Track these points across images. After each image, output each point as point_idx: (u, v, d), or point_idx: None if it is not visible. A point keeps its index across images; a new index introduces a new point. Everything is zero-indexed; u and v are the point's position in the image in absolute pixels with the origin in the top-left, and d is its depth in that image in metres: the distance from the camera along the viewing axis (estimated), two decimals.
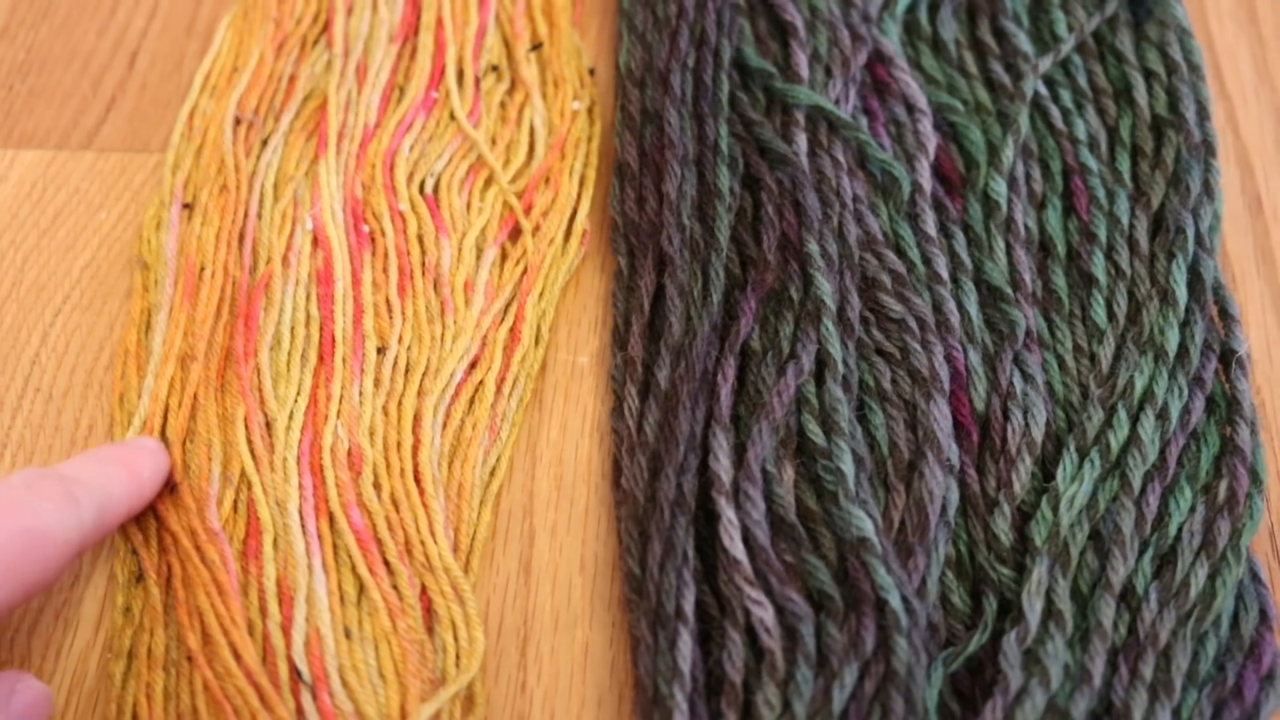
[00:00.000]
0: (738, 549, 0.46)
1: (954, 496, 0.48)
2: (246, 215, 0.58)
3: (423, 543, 0.49)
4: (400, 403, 0.52)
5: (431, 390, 0.53)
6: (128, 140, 0.64)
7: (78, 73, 0.67)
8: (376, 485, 0.50)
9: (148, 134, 0.64)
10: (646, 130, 0.58)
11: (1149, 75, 0.60)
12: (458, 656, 0.47)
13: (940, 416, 0.49)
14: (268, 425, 0.52)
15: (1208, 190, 0.56)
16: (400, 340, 0.54)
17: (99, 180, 0.62)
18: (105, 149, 0.63)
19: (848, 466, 0.48)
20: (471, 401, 0.53)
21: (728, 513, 0.47)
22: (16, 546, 0.41)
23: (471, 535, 0.50)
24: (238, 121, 0.61)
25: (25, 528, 0.42)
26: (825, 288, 0.52)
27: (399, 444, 0.51)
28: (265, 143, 0.61)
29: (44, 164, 0.63)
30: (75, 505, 0.44)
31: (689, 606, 0.45)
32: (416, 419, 0.52)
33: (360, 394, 0.53)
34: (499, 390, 0.54)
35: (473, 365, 0.54)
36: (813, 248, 0.53)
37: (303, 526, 0.49)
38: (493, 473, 0.52)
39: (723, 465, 0.48)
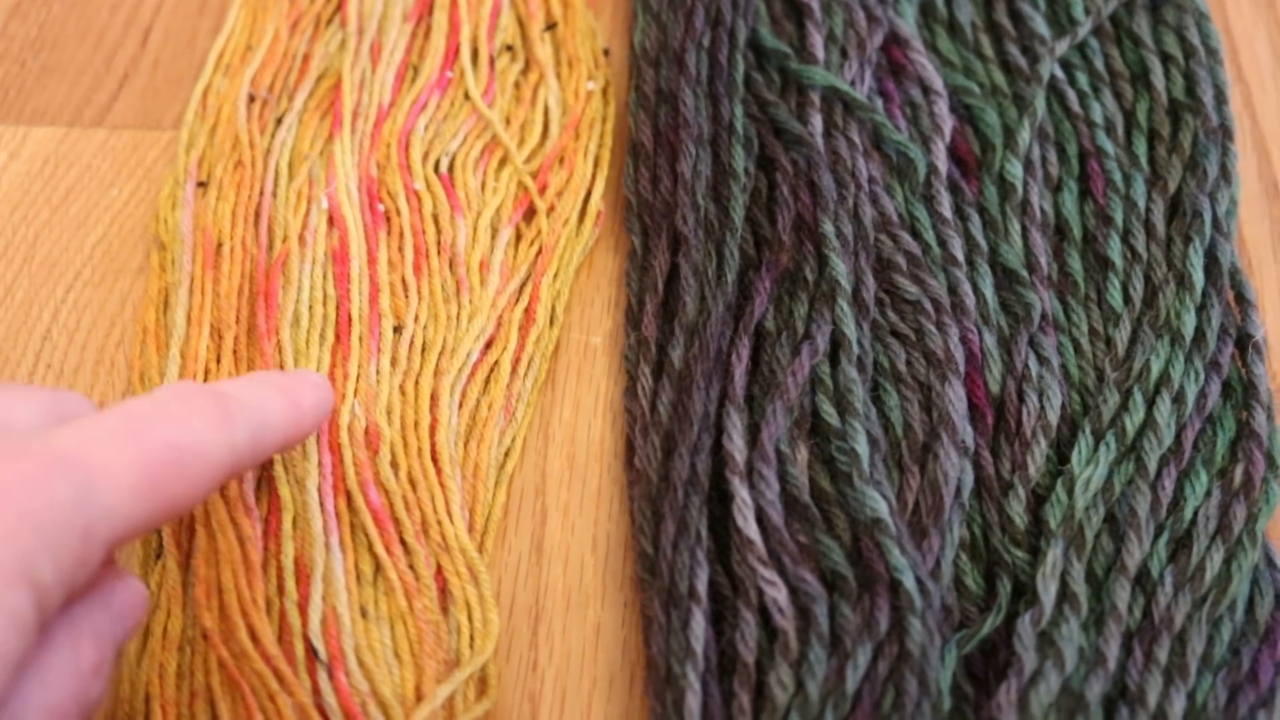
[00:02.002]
0: (751, 529, 0.46)
1: (969, 479, 0.48)
2: (262, 193, 0.58)
3: (439, 523, 0.49)
4: (417, 382, 0.52)
5: (448, 370, 0.53)
6: (140, 117, 0.63)
7: (90, 49, 0.67)
8: (394, 464, 0.50)
9: (160, 111, 0.64)
10: (661, 110, 0.58)
11: (1166, 59, 0.60)
12: (472, 638, 0.47)
13: (955, 398, 0.49)
14: None
15: (1225, 175, 0.55)
16: (416, 319, 0.54)
17: (111, 157, 0.62)
18: (118, 126, 0.63)
19: (862, 447, 0.48)
20: (487, 382, 0.53)
21: (741, 493, 0.47)
22: (163, 461, 0.38)
23: (486, 516, 0.50)
24: (252, 99, 0.61)
25: (173, 441, 0.38)
26: (840, 268, 0.52)
27: (416, 423, 0.51)
28: (280, 121, 0.61)
29: (56, 140, 0.63)
30: (229, 424, 0.40)
31: (702, 586, 0.45)
32: (433, 398, 0.52)
33: (377, 373, 0.52)
34: (514, 370, 0.54)
35: (488, 345, 0.54)
36: (828, 228, 0.53)
37: (321, 505, 0.49)
38: (507, 453, 0.52)
39: (736, 445, 0.48)
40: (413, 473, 0.50)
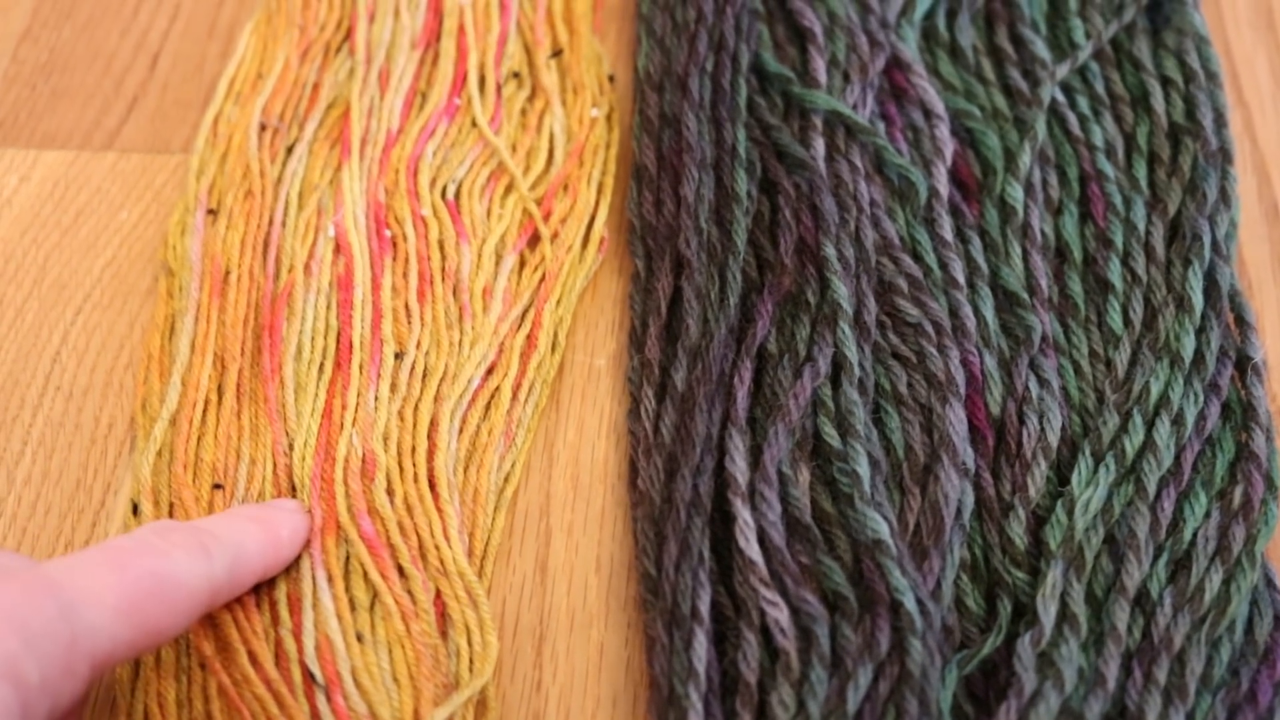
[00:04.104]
0: (753, 550, 0.46)
1: (969, 500, 0.49)
2: (271, 222, 0.58)
3: (437, 547, 0.49)
4: (417, 408, 0.53)
5: (448, 396, 0.53)
6: (149, 141, 0.64)
7: (100, 73, 0.67)
8: (389, 491, 0.50)
9: (169, 135, 0.64)
10: (665, 134, 0.58)
11: (1166, 83, 0.60)
12: (471, 661, 0.47)
13: (956, 420, 0.50)
14: (290, 445, 0.52)
15: (1224, 197, 0.56)
16: (418, 346, 0.54)
17: (120, 180, 0.62)
18: (127, 149, 0.64)
19: (863, 469, 0.48)
20: (488, 407, 0.54)
21: (743, 514, 0.47)
22: (143, 587, 0.41)
23: (486, 540, 0.51)
24: (263, 128, 0.62)
25: (152, 570, 0.41)
26: (842, 291, 0.52)
27: (414, 449, 0.51)
28: (290, 150, 0.61)
29: (66, 164, 0.63)
30: (206, 555, 0.44)
31: (704, 607, 0.46)
32: (433, 424, 0.52)
33: (376, 399, 0.53)
34: (515, 396, 0.54)
35: (489, 371, 0.54)
36: (829, 252, 0.53)
37: (307, 543, 0.49)
38: (507, 478, 0.53)
39: (739, 467, 0.48)
40: (409, 498, 0.50)
